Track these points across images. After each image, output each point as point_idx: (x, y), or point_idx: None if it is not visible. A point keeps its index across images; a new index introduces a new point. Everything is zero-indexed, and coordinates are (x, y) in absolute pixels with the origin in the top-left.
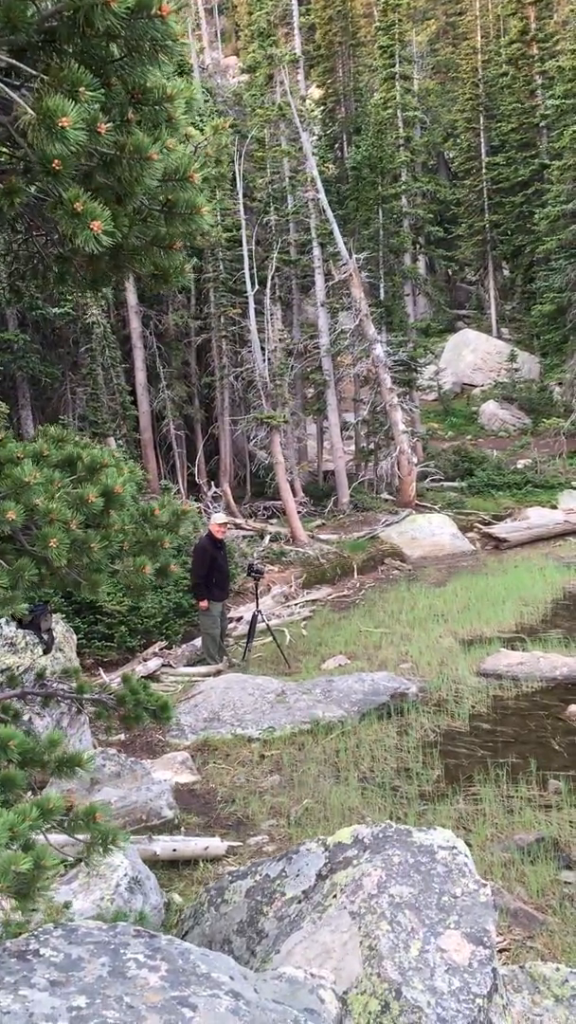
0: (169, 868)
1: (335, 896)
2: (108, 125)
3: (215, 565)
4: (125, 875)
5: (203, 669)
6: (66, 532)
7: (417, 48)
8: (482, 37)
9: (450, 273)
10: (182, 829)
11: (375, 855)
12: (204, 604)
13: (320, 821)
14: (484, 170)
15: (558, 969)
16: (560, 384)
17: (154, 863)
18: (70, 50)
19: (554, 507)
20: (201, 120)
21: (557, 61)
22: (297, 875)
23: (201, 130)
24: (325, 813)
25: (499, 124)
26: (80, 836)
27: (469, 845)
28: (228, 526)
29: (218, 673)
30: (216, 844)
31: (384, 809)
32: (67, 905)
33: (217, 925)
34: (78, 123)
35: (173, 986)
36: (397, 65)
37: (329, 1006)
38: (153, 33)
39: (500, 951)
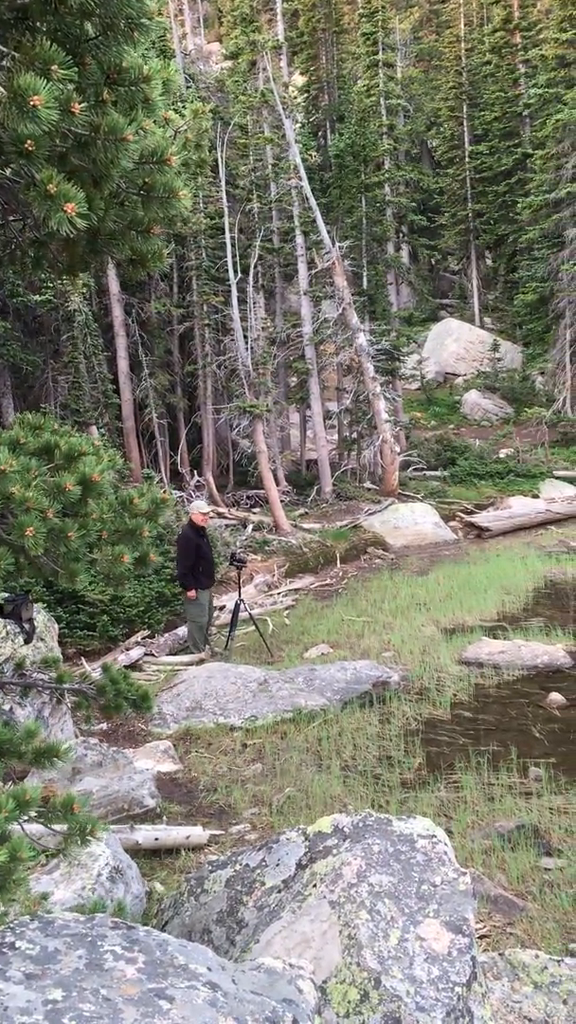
0: (151, 857)
1: (315, 885)
2: (82, 105)
3: (200, 553)
4: (107, 864)
5: (186, 658)
6: (43, 521)
7: (400, 36)
8: (465, 25)
9: (433, 262)
10: (164, 818)
11: (355, 844)
12: (192, 594)
13: (302, 809)
14: (467, 159)
15: (537, 956)
16: (542, 373)
17: (136, 852)
18: (43, 28)
19: (536, 496)
20: (183, 105)
21: (540, 50)
22: (277, 864)
23: (182, 115)
24: (307, 801)
25: (482, 113)
26: (57, 827)
27: (450, 833)
28: (210, 514)
29: (201, 662)
30: (198, 833)
31: (366, 797)
32: (45, 896)
33: (197, 915)
34: (50, 102)
35: (150, 978)
36: (380, 53)
37: (307, 996)
38: (128, 11)
39: (480, 937)
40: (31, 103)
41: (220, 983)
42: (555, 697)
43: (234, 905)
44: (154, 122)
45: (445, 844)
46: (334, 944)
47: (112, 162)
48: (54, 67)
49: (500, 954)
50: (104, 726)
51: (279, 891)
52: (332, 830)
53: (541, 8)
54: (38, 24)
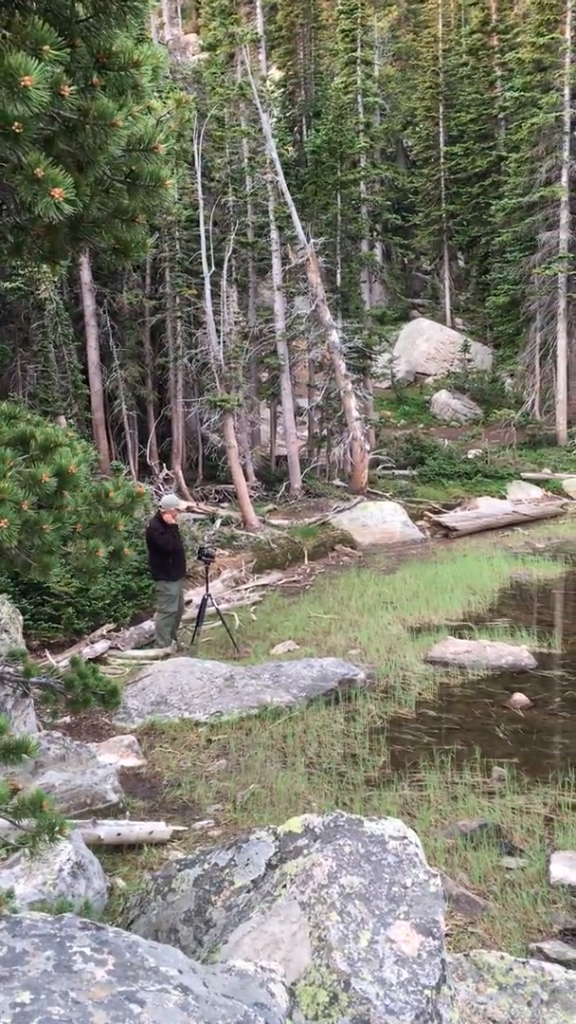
0: (113, 852)
1: (285, 886)
2: (72, 88)
3: (171, 545)
4: (68, 860)
5: (151, 652)
6: (17, 512)
7: (379, 34)
8: (443, 26)
9: (406, 261)
10: (127, 813)
11: (326, 845)
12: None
13: (266, 806)
14: (442, 159)
15: (503, 958)
16: (512, 376)
17: (98, 847)
18: (34, 7)
19: (503, 497)
20: (162, 95)
21: (517, 53)
22: (247, 864)
23: (164, 102)
24: (271, 798)
25: (458, 114)
26: (24, 823)
27: (414, 831)
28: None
29: (166, 656)
30: (161, 829)
31: (330, 795)
32: (10, 895)
33: (164, 914)
34: (41, 83)
35: (120, 980)
36: (359, 50)
37: (279, 1000)
38: None
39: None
40: (22, 83)
41: (191, 986)
42: (519, 698)
43: (202, 905)
44: (142, 109)
45: (416, 846)
46: (304, 946)
47: (100, 148)
48: (46, 47)
49: (465, 955)
50: (67, 720)
51: (248, 891)
52: (303, 830)
53: (518, 12)
54: (29, 3)
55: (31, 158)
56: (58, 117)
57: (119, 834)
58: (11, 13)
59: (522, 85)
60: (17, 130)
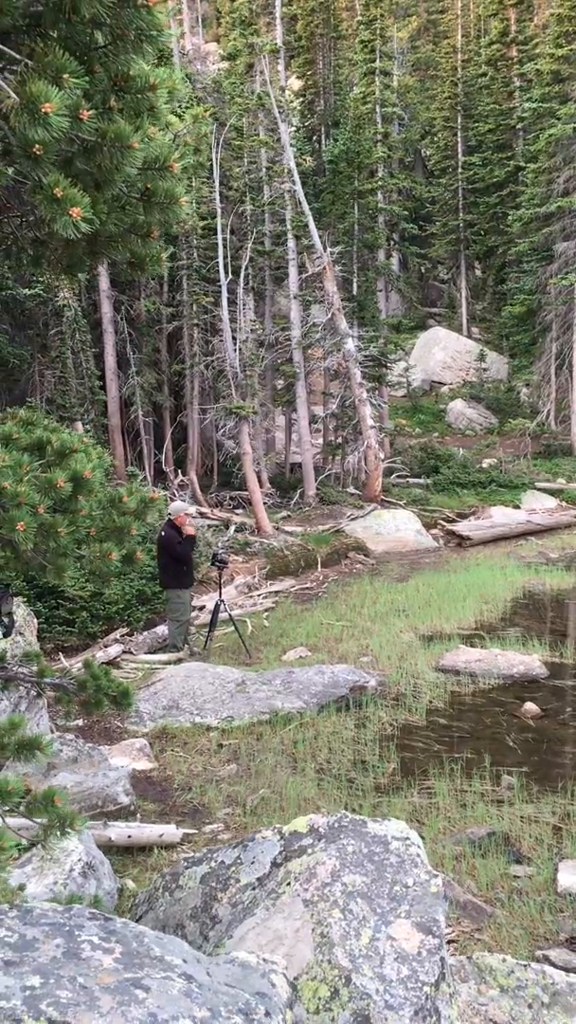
0: (123, 854)
1: (289, 884)
2: (90, 112)
3: (189, 554)
4: (79, 860)
5: (164, 657)
6: (34, 516)
7: (398, 44)
8: (463, 36)
9: (423, 271)
10: (138, 816)
11: (330, 844)
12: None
13: (276, 811)
14: (460, 169)
15: (504, 960)
16: (527, 385)
17: (109, 849)
18: (55, 35)
19: (517, 507)
20: (181, 107)
21: (535, 64)
22: (252, 862)
23: (181, 117)
24: (281, 803)
25: (476, 124)
26: (38, 819)
27: (422, 838)
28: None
29: (179, 661)
30: (171, 831)
31: (340, 800)
32: (22, 887)
33: (171, 910)
34: (61, 110)
35: (127, 968)
36: (377, 60)
37: (280, 990)
38: (139, 23)
39: (449, 942)
40: (43, 110)
41: (195, 975)
42: (530, 707)
43: (208, 901)
44: (159, 130)
45: (418, 846)
46: (306, 942)
47: (117, 168)
48: (66, 75)
49: (468, 957)
50: (80, 722)
51: (253, 888)
52: (308, 830)
53: (538, 23)
54: (50, 32)
55: (51, 178)
56: (77, 139)
57: (130, 836)
58: (33, 42)
59: (540, 96)
60: (38, 152)
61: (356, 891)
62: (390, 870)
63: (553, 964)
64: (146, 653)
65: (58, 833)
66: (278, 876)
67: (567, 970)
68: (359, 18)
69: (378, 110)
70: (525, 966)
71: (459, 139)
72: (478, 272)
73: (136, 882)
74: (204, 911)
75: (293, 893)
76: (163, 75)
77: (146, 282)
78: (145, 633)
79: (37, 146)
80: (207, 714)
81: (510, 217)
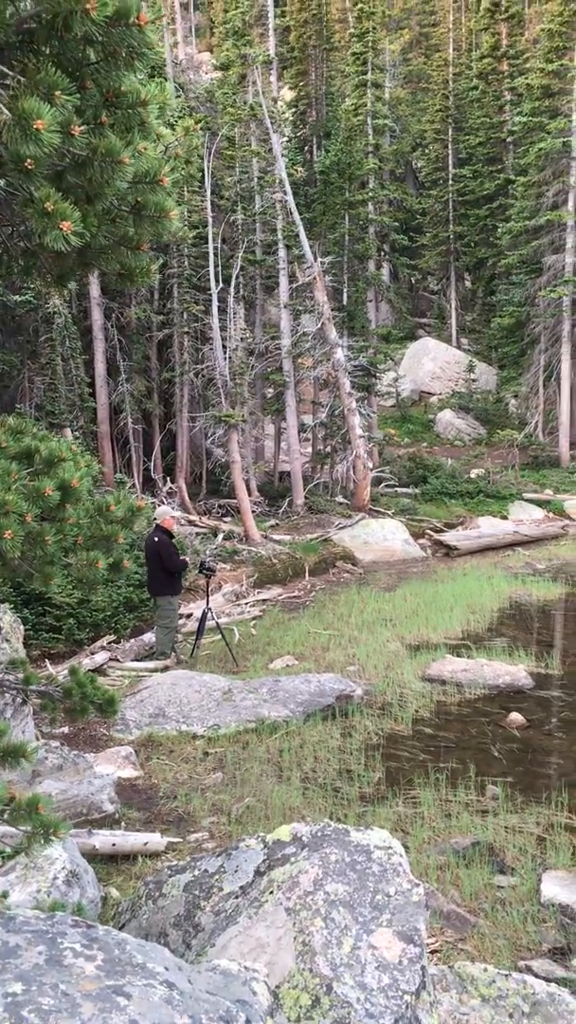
0: (108, 862)
1: (272, 892)
2: (82, 128)
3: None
4: (63, 868)
5: (150, 664)
6: (21, 524)
7: (390, 57)
8: (454, 50)
9: (413, 281)
10: (123, 824)
11: (313, 853)
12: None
13: (261, 820)
14: (451, 182)
15: (486, 970)
16: (516, 396)
17: (93, 857)
18: (47, 52)
19: (505, 517)
20: (172, 119)
21: (526, 79)
22: (235, 871)
23: (172, 128)
24: (266, 812)
25: (467, 137)
26: (22, 827)
27: (407, 847)
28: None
29: (165, 669)
30: (156, 840)
31: (325, 809)
32: (5, 895)
33: (154, 918)
34: (52, 126)
35: (109, 975)
36: (369, 72)
37: (261, 998)
38: (130, 41)
39: (432, 952)
40: (34, 126)
41: (176, 982)
42: (515, 717)
43: (191, 909)
44: (150, 144)
45: (400, 856)
46: (288, 950)
47: (107, 182)
48: (57, 93)
49: (450, 967)
50: (65, 729)
51: (236, 897)
52: (291, 838)
53: (528, 38)
54: (42, 48)
55: (42, 192)
56: (68, 153)
57: (114, 844)
58: (26, 58)
59: (531, 110)
60: (29, 167)
61: (338, 900)
62: (372, 879)
63: (536, 975)
64: (133, 660)
65: (42, 841)
66: (261, 885)
67: (550, 981)
68: (352, 30)
69: (370, 122)
70: (506, 976)
71: (450, 151)
72: (468, 283)
73: (120, 890)
74: (187, 919)
75: (276, 902)
76: (154, 90)
77: (136, 290)
78: (132, 640)
79: (29, 161)
80: (193, 722)
81: (500, 229)
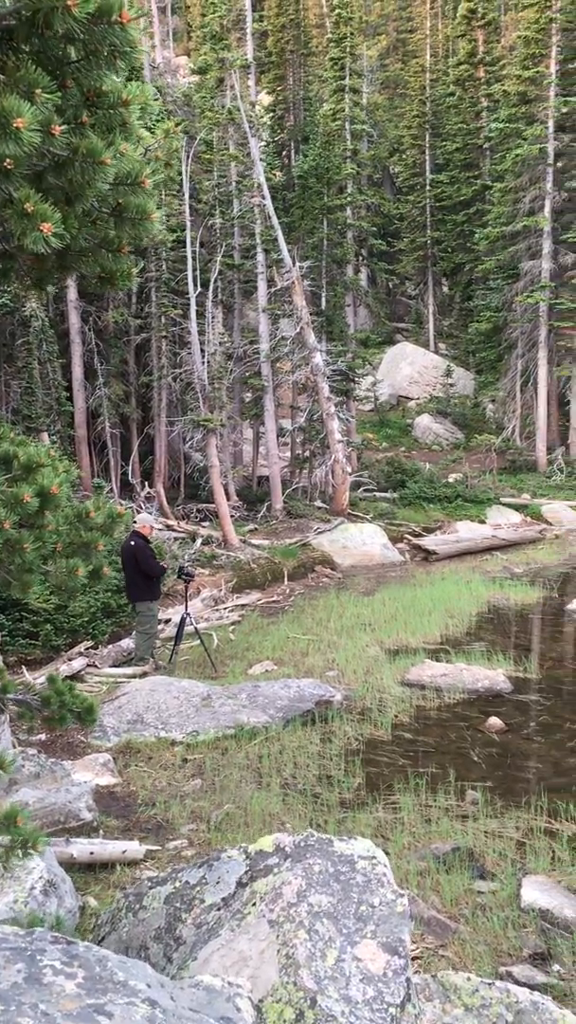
0: (86, 871)
1: (254, 904)
2: (62, 127)
3: (160, 566)
4: (40, 878)
5: (128, 670)
6: None
7: (367, 62)
8: (431, 56)
9: (391, 286)
10: (101, 832)
11: (296, 864)
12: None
13: (240, 827)
14: (428, 187)
15: (469, 979)
16: (493, 401)
17: (71, 866)
18: (27, 50)
19: (483, 522)
20: (151, 121)
21: (502, 85)
22: (217, 882)
23: (152, 131)
24: (246, 819)
25: (444, 143)
26: (1, 838)
27: (387, 853)
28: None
29: (144, 675)
30: (134, 848)
31: (305, 816)
32: None
33: (134, 931)
34: (33, 125)
35: (90, 993)
36: (347, 78)
37: (245, 1015)
38: (112, 39)
39: (412, 959)
40: (14, 125)
41: (159, 1000)
42: (494, 721)
43: (172, 922)
44: (131, 146)
45: (384, 866)
46: (271, 963)
47: (88, 183)
48: (38, 91)
49: (432, 976)
50: (42, 737)
51: (218, 909)
52: (273, 849)
53: (505, 44)
54: (23, 46)
55: (22, 193)
56: (48, 154)
57: (92, 853)
58: (5, 55)
59: (507, 116)
60: (8, 167)
61: (322, 911)
62: (356, 890)
63: (516, 980)
64: (110, 666)
65: (20, 854)
66: (243, 896)
67: (530, 987)
68: (329, 35)
69: (347, 127)
70: (490, 984)
71: (427, 157)
72: (445, 288)
73: (98, 899)
74: (168, 932)
75: (259, 914)
76: (136, 90)
77: (114, 294)
78: (110, 646)
79: (8, 160)
80: (172, 728)
81: (477, 235)
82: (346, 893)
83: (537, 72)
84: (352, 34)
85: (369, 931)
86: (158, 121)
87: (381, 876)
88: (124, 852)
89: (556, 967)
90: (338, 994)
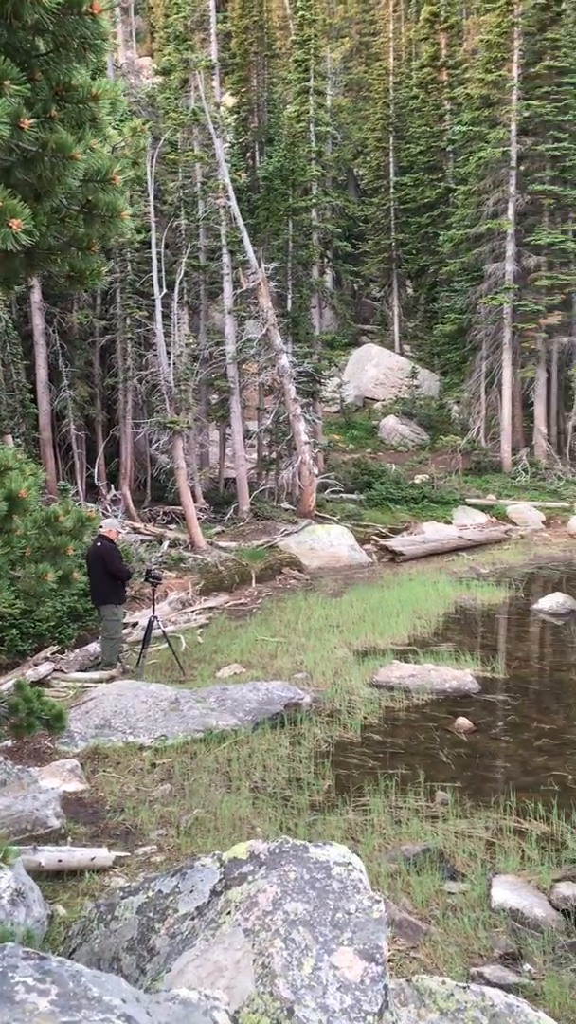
0: (54, 879)
1: (229, 913)
2: (31, 121)
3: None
4: (8, 887)
5: (96, 675)
6: None
7: (331, 65)
8: (395, 59)
9: (356, 288)
10: (69, 839)
11: (271, 871)
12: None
13: (210, 831)
14: (392, 189)
15: (444, 983)
16: (458, 402)
17: (38, 874)
18: None
19: (449, 522)
20: (118, 120)
21: (465, 89)
22: (191, 891)
23: (119, 130)
24: (216, 823)
25: (408, 146)
26: None
27: (357, 855)
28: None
29: (111, 679)
30: (103, 855)
31: (275, 819)
32: None
33: (107, 942)
34: (3, 117)
35: (64, 1011)
36: (311, 80)
37: None
38: (83, 31)
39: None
40: None
41: (135, 1015)
42: (462, 722)
43: (145, 933)
44: (101, 142)
45: (360, 871)
46: (247, 973)
47: (58, 179)
48: (6, 82)
49: (408, 980)
50: (8, 743)
51: (192, 918)
52: (248, 856)
53: (467, 48)
54: None
55: None
56: (17, 148)
57: (60, 860)
58: None
59: (470, 120)
60: None
61: (298, 919)
62: (332, 896)
63: (488, 981)
64: (77, 671)
65: None
66: (218, 905)
67: (502, 987)
68: (293, 37)
69: (312, 129)
70: (464, 988)
71: (391, 160)
72: (410, 290)
73: (67, 908)
74: (141, 943)
75: (234, 923)
76: (106, 86)
77: (79, 295)
78: (77, 651)
79: None
80: (140, 733)
81: (441, 237)
82: (322, 900)
83: (499, 76)
84: (316, 36)
85: (346, 938)
86: (123, 120)
87: (357, 882)
88: (93, 859)
89: (527, 967)
90: (315, 1003)
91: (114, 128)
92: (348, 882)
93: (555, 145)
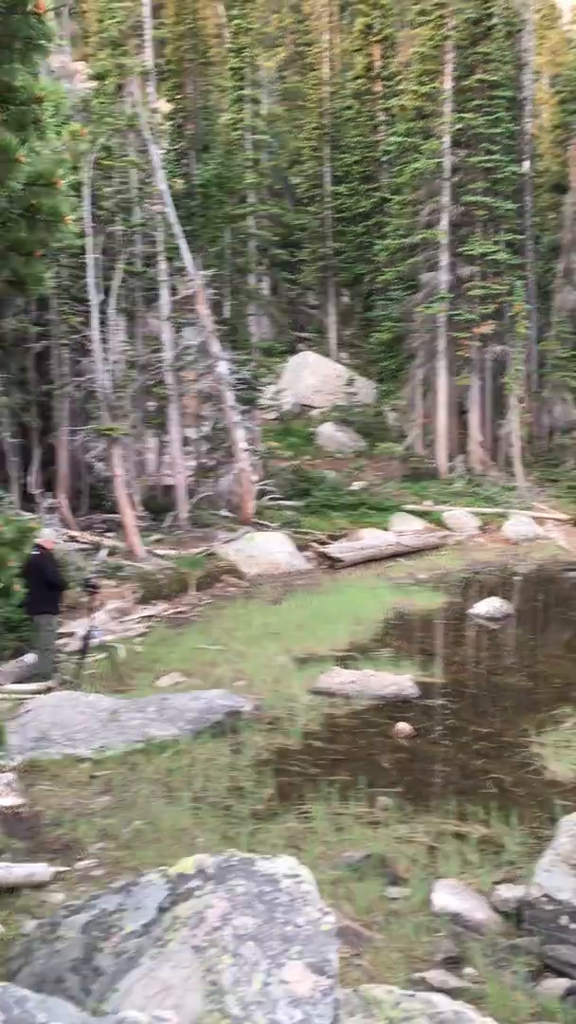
0: None
1: (177, 930)
2: None
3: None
4: None
5: (32, 686)
6: None
7: (266, 73)
8: (329, 69)
9: (293, 296)
10: (5, 855)
11: (219, 886)
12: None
13: (151, 843)
14: (328, 199)
15: (391, 992)
16: (395, 410)
17: None
18: None
19: (387, 529)
20: (57, 124)
21: (399, 100)
22: (137, 908)
23: (59, 133)
24: (157, 835)
25: (343, 155)
26: None
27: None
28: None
29: (48, 691)
30: (42, 870)
31: (216, 829)
32: None
33: (50, 963)
34: None
35: None
36: (248, 87)
37: None
38: (27, 31)
39: None
40: None
41: None
42: (402, 727)
43: (90, 952)
44: (43, 144)
45: (309, 884)
46: (196, 990)
47: (0, 182)
48: None
49: (354, 990)
50: None
51: (139, 936)
52: (195, 871)
53: (401, 60)
54: None
55: None
56: None
57: None
58: None
59: (404, 131)
60: None
61: (247, 934)
62: (281, 909)
63: (431, 985)
64: (13, 683)
65: None
66: (165, 922)
67: (444, 991)
68: (228, 45)
69: (248, 137)
70: (411, 996)
71: (327, 169)
72: (346, 299)
73: (5, 925)
74: (86, 963)
75: (181, 940)
76: (50, 88)
77: (12, 300)
78: (12, 662)
79: None
80: (79, 744)
81: (376, 246)
82: (271, 914)
83: (433, 88)
84: (251, 44)
85: (295, 952)
86: (62, 124)
87: (306, 894)
88: (31, 875)
89: (469, 970)
90: (266, 1020)
91: (54, 131)
92: (297, 894)
93: (487, 157)
